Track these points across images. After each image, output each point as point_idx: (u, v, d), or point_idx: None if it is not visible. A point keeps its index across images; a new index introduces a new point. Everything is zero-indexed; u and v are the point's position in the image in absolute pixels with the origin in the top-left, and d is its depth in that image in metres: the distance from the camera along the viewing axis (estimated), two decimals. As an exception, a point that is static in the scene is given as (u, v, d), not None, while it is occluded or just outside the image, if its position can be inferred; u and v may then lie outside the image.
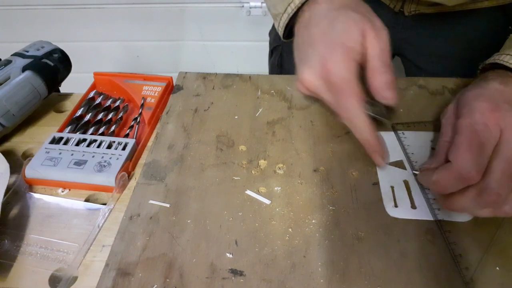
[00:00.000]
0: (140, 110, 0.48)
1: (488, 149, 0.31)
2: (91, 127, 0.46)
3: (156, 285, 0.32)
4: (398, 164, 0.41)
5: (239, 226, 0.36)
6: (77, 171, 0.40)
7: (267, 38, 0.78)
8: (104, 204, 0.39)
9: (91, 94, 0.50)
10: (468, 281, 0.32)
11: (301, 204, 0.38)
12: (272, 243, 0.35)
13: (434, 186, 0.34)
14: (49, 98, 0.50)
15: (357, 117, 0.36)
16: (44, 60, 0.48)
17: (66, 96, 0.53)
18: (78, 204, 0.39)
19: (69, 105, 0.51)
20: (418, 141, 0.43)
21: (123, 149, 0.42)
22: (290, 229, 0.35)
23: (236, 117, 0.47)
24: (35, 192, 0.40)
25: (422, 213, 0.36)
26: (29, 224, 0.37)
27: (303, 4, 0.40)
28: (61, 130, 0.46)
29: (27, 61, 0.47)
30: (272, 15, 0.46)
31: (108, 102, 0.49)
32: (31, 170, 0.40)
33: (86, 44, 1.32)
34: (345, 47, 0.35)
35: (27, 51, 0.48)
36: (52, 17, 1.25)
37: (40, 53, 0.49)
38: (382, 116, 0.37)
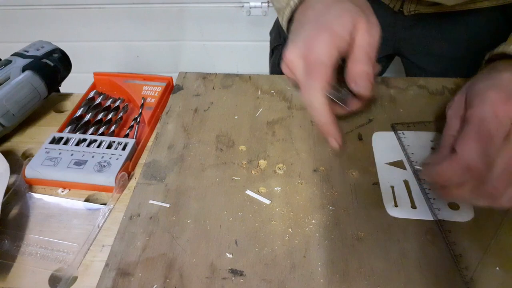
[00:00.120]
0: (140, 110, 0.48)
1: (496, 141, 0.31)
2: (91, 127, 0.46)
3: (156, 285, 0.32)
4: (398, 164, 0.41)
5: (239, 226, 0.36)
6: (77, 171, 0.40)
7: (267, 38, 0.78)
8: (104, 204, 0.39)
9: (91, 94, 0.50)
10: (468, 281, 0.32)
11: (301, 204, 0.38)
12: (272, 243, 0.35)
13: (438, 178, 0.34)
14: (49, 98, 0.50)
15: (316, 99, 0.36)
16: (44, 60, 0.48)
17: (66, 96, 0.53)
18: (78, 204, 0.39)
19: (69, 105, 0.51)
20: (418, 141, 0.43)
21: (123, 149, 0.42)
22: (290, 229, 0.35)
23: (236, 117, 0.47)
24: (35, 192, 0.40)
25: (422, 213, 0.36)
26: (29, 224, 0.37)
27: None
28: (61, 130, 0.46)
29: (27, 61, 0.47)
30: (275, 9, 0.46)
31: (108, 102, 0.49)
32: (31, 170, 0.40)
33: (86, 44, 1.32)
34: (333, 32, 0.35)
35: (27, 51, 0.48)
36: (52, 17, 1.25)
37: (40, 53, 0.49)
38: (343, 103, 0.38)
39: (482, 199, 0.32)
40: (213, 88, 0.51)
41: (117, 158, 0.41)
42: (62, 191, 0.40)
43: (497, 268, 0.32)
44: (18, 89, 0.44)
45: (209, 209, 0.37)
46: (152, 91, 0.50)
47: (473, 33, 0.60)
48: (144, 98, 0.49)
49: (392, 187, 0.39)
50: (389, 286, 0.31)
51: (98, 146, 0.43)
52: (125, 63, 1.38)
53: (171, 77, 0.53)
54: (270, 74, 0.76)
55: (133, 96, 0.50)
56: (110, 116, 0.48)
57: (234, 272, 0.33)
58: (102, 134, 0.45)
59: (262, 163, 0.42)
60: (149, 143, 0.45)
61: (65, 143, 0.43)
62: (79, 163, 0.41)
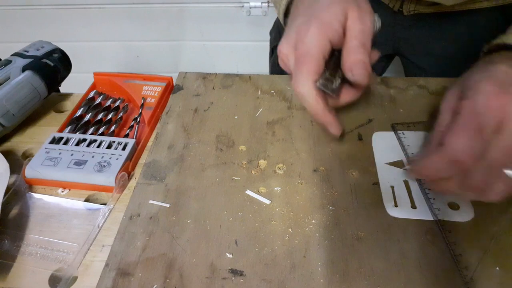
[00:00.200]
0: (140, 110, 0.48)
1: (486, 134, 0.30)
2: (91, 127, 0.46)
3: (156, 285, 0.32)
4: (398, 164, 0.41)
5: (239, 226, 0.36)
6: (77, 171, 0.40)
7: (267, 38, 0.78)
8: (104, 204, 0.39)
9: (91, 94, 0.50)
10: (468, 281, 0.32)
11: (301, 204, 0.38)
12: (272, 243, 0.35)
13: (424, 172, 0.33)
14: (49, 98, 0.50)
15: (305, 89, 0.36)
16: (44, 60, 0.48)
17: (66, 96, 0.53)
18: (78, 204, 0.39)
19: (69, 105, 0.51)
20: (418, 141, 0.43)
21: (123, 149, 0.42)
22: (290, 229, 0.35)
23: (236, 117, 0.47)
24: (35, 192, 0.40)
25: (422, 213, 0.36)
26: (29, 224, 0.37)
27: None
28: (61, 130, 0.46)
29: (27, 61, 0.47)
30: (272, 2, 0.47)
31: (108, 102, 0.49)
32: (31, 170, 0.40)
33: (86, 44, 1.32)
34: (323, 22, 0.35)
35: (27, 51, 0.48)
36: (52, 17, 1.25)
37: (40, 53, 0.49)
38: (332, 93, 0.38)
39: (470, 192, 0.31)
40: (213, 88, 0.51)
41: (117, 158, 0.41)
42: (62, 191, 0.40)
43: (497, 268, 0.32)
44: (18, 89, 0.44)
45: (209, 209, 0.37)
46: (152, 91, 0.50)
47: (472, 33, 0.60)
48: (144, 98, 0.49)
49: (392, 187, 0.39)
50: (389, 286, 0.31)
51: (98, 146, 0.43)
52: (125, 63, 1.38)
53: (171, 77, 0.53)
54: (270, 74, 0.76)
55: (133, 96, 0.50)
56: (110, 116, 0.48)
57: (234, 272, 0.33)
58: (102, 134, 0.45)
59: (262, 163, 0.42)
60: (149, 143, 0.45)
61: (65, 143, 0.43)
62: (79, 163, 0.41)
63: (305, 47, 0.36)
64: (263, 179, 0.40)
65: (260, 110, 0.48)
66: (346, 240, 0.35)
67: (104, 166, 0.40)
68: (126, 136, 0.45)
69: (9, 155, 0.43)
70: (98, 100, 0.50)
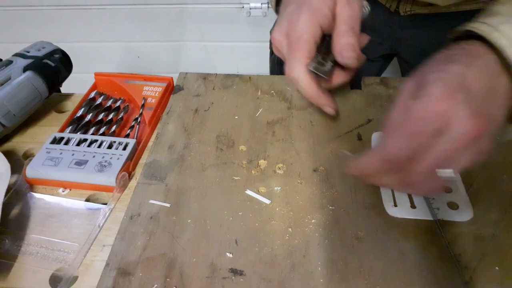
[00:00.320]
0: (141, 110, 0.48)
1: (426, 137, 0.30)
2: (92, 127, 0.46)
3: (156, 285, 0.32)
4: (398, 164, 0.41)
5: (239, 226, 0.36)
6: (78, 171, 0.40)
7: (267, 38, 0.78)
8: (105, 204, 0.39)
9: (92, 95, 0.50)
10: (467, 281, 0.32)
11: (301, 204, 0.38)
12: (272, 242, 0.35)
13: (358, 170, 0.34)
14: (50, 98, 0.50)
15: (298, 73, 0.38)
16: (45, 61, 0.48)
17: (67, 96, 0.53)
18: (78, 204, 0.39)
19: (70, 105, 0.52)
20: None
21: (124, 149, 0.42)
22: (290, 229, 0.36)
23: (236, 117, 0.47)
24: (36, 192, 0.40)
25: (422, 213, 0.36)
26: (30, 224, 0.37)
27: None
28: (62, 130, 0.46)
29: (28, 61, 0.47)
30: None
31: (109, 103, 0.50)
32: (32, 170, 0.40)
33: (87, 45, 1.32)
34: (313, 9, 0.37)
35: (28, 52, 0.49)
36: (53, 17, 1.25)
37: (41, 53, 0.49)
38: (325, 75, 0.39)
39: (406, 188, 0.34)
40: (213, 89, 0.51)
41: (118, 158, 0.41)
42: (63, 191, 0.41)
43: (497, 268, 0.32)
44: (19, 89, 0.45)
45: (209, 208, 0.37)
46: (152, 92, 0.50)
47: None
48: (144, 99, 0.49)
49: (392, 187, 0.39)
50: (388, 285, 0.32)
51: (99, 146, 0.43)
52: (125, 64, 1.38)
53: (172, 78, 0.53)
54: (270, 73, 0.76)
55: (134, 96, 0.50)
56: (111, 116, 0.48)
57: (234, 271, 0.33)
58: (103, 134, 0.45)
59: (262, 163, 0.42)
60: (150, 143, 0.46)
61: (66, 143, 0.43)
62: (80, 163, 0.41)
63: (297, 33, 0.38)
64: (263, 179, 0.40)
65: (260, 110, 0.48)
66: (346, 240, 0.35)
67: (105, 166, 0.40)
68: (127, 136, 0.45)
69: (10, 155, 0.43)
70: (99, 101, 0.50)
